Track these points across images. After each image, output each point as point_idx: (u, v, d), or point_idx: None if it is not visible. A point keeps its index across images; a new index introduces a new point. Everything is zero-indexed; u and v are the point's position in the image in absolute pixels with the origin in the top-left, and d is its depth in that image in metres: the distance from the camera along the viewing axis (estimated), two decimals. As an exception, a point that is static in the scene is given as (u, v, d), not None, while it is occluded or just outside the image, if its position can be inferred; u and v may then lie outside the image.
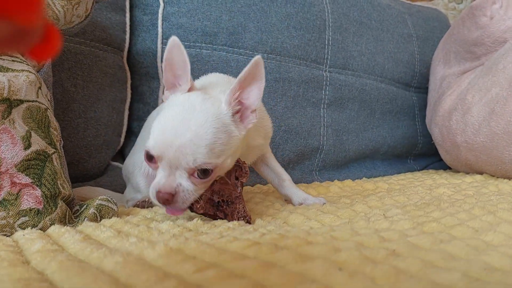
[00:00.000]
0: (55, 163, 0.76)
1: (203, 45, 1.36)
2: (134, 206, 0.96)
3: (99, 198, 0.80)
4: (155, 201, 0.69)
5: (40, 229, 0.68)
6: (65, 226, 0.66)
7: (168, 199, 0.67)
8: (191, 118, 0.67)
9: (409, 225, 0.59)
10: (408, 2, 2.06)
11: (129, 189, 1.04)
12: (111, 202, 0.80)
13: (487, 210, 0.66)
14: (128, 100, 1.34)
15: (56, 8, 0.87)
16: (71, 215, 0.76)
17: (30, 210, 0.68)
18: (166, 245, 0.49)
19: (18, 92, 0.73)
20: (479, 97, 1.31)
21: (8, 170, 0.68)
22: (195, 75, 1.35)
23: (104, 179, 1.20)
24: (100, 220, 0.75)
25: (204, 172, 0.67)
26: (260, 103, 0.76)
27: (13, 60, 0.77)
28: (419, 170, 1.82)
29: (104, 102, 1.22)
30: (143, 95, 1.36)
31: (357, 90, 1.64)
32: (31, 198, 0.69)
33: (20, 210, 0.67)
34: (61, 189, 0.74)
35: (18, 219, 0.67)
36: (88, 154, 1.19)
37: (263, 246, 0.46)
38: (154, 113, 1.04)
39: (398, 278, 0.37)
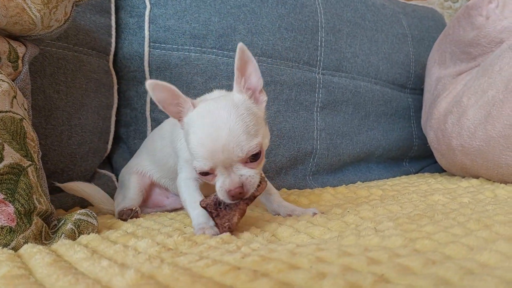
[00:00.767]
0: (31, 176, 0.73)
1: (192, 48, 1.33)
2: (119, 213, 0.92)
3: (78, 212, 0.76)
4: (226, 200, 0.73)
5: (13, 248, 0.64)
6: (38, 246, 0.63)
7: (241, 193, 0.72)
8: (216, 120, 0.72)
9: (401, 241, 0.56)
10: (403, 1, 2.03)
11: (117, 194, 1.05)
12: (90, 217, 0.76)
13: (483, 223, 0.62)
14: (115, 105, 1.30)
15: (32, 12, 0.84)
16: (48, 231, 0.72)
17: (2, 228, 0.64)
18: (137, 271, 0.45)
19: (-11, 103, 0.70)
20: (475, 100, 1.28)
21: (-23, 186, 0.64)
22: (184, 79, 1.32)
23: (89, 188, 1.17)
24: (79, 235, 0.72)
25: (254, 156, 0.73)
26: (265, 102, 0.83)
27: (-15, 69, 0.74)
28: (414, 173, 1.79)
29: (89, 108, 1.18)
30: (131, 100, 1.32)
31: (351, 92, 1.61)
32: (3, 215, 0.65)
33: (-10, 229, 0.63)
34: (37, 204, 0.71)
35: (-12, 238, 0.63)
36: (73, 163, 1.15)
37: (241, 273, 0.43)
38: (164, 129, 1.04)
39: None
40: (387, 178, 1.64)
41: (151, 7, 1.31)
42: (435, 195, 0.99)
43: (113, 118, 1.29)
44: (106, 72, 1.26)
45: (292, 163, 1.47)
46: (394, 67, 1.77)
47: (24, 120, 0.77)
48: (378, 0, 1.83)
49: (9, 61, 0.84)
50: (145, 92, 1.31)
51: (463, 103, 1.32)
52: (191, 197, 0.84)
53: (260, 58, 1.41)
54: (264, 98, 0.82)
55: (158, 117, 1.31)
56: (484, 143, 1.22)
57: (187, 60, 1.32)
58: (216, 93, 0.90)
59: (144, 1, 1.31)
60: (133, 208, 0.90)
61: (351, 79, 1.62)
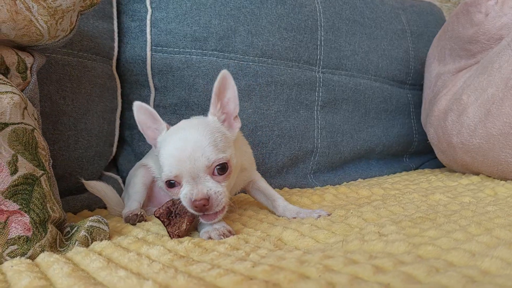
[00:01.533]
0: (44, 186, 0.75)
1: (193, 50, 1.34)
2: (126, 218, 0.94)
3: (90, 219, 0.79)
4: (192, 211, 0.75)
5: (30, 257, 0.66)
6: (54, 254, 0.65)
7: (205, 205, 0.73)
8: (187, 134, 0.77)
9: (404, 247, 0.58)
10: (401, -3, 2.04)
11: (124, 193, 1.09)
12: (102, 223, 0.79)
13: (484, 227, 0.65)
14: (119, 109, 1.32)
15: (39, 24, 0.85)
16: (62, 238, 0.74)
17: (19, 238, 0.66)
18: (155, 282, 0.48)
19: (2, 116, 0.72)
20: (475, 98, 1.30)
21: (-6, 198, 0.66)
22: (186, 81, 1.34)
23: (97, 191, 1.19)
24: (92, 242, 0.74)
25: (222, 168, 0.76)
26: (238, 129, 0.88)
27: (-4, 82, 0.75)
28: (414, 169, 1.81)
29: (94, 112, 1.20)
30: (134, 103, 1.34)
31: (351, 90, 1.63)
32: (19, 226, 0.67)
33: (8, 239, 0.65)
34: (51, 212, 0.73)
35: (6, 248, 0.65)
36: (80, 167, 1.17)
37: (254, 285, 0.45)
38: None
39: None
40: (388, 175, 1.67)
41: (152, 11, 1.32)
42: (436, 194, 1.02)
43: (118, 122, 1.31)
44: (109, 76, 1.27)
45: (293, 162, 1.49)
46: (393, 63, 1.79)
47: (35, 130, 0.79)
48: (377, -3, 1.84)
49: (18, 72, 0.86)
50: (149, 95, 1.33)
51: (463, 100, 1.34)
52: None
53: (260, 58, 1.42)
54: (238, 124, 0.87)
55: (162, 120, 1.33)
56: (484, 141, 1.24)
57: (189, 63, 1.33)
58: (193, 118, 0.93)
59: (145, 5, 1.32)
60: (138, 213, 0.92)
61: (351, 77, 1.64)
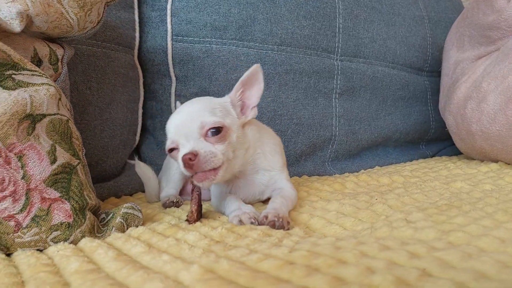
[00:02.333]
0: (80, 174, 0.78)
1: (213, 39, 1.35)
2: (163, 204, 1.00)
3: (124, 206, 0.82)
4: (184, 171, 0.78)
5: (71, 242, 0.70)
6: (96, 240, 0.68)
7: (191, 159, 0.75)
8: (189, 105, 0.84)
9: (434, 234, 0.60)
10: (419, -18, 2.01)
11: (162, 175, 1.15)
12: (136, 210, 0.82)
13: (510, 214, 0.66)
14: (141, 98, 1.34)
15: (69, 16, 0.87)
16: (99, 224, 0.78)
17: (61, 224, 0.70)
18: (200, 265, 0.50)
19: (40, 107, 0.74)
20: (495, 85, 1.30)
21: (37, 186, 0.69)
22: (206, 71, 1.35)
23: (122, 179, 1.22)
24: (127, 228, 0.77)
25: (215, 131, 0.78)
26: (250, 117, 0.89)
27: (32, 74, 0.77)
28: (431, 156, 1.82)
29: (118, 102, 1.23)
30: (156, 93, 1.36)
31: (368, 78, 1.63)
32: (61, 212, 0.70)
33: (51, 225, 0.69)
34: (88, 200, 0.76)
35: (50, 234, 0.68)
36: (105, 155, 1.20)
37: (295, 268, 0.47)
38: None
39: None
40: (404, 162, 1.68)
41: (172, 1, 1.34)
42: (457, 182, 1.03)
43: (140, 111, 1.34)
44: (132, 66, 1.29)
45: (312, 150, 1.51)
46: (411, 50, 1.78)
47: (69, 120, 0.81)
48: (395, -17, 1.82)
49: (50, 64, 0.88)
50: (170, 84, 1.35)
51: (483, 88, 1.34)
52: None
53: (279, 47, 1.43)
54: (253, 114, 0.89)
55: (184, 109, 1.35)
56: (504, 128, 1.24)
57: (209, 52, 1.35)
58: None
59: (166, -5, 1.33)
60: (175, 200, 0.98)
61: (369, 65, 1.64)
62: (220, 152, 0.79)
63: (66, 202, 0.72)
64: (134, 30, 1.30)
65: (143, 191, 1.20)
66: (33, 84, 0.75)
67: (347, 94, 1.59)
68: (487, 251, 0.52)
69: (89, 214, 0.75)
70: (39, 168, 0.71)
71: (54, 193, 0.71)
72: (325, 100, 1.53)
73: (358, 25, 1.61)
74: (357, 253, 0.52)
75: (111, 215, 0.80)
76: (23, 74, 0.76)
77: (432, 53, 1.86)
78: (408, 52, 1.77)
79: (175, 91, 1.35)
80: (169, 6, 1.33)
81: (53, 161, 0.73)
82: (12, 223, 0.67)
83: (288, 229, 0.73)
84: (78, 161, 0.79)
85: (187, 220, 0.80)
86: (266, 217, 0.75)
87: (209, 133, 0.79)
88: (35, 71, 0.79)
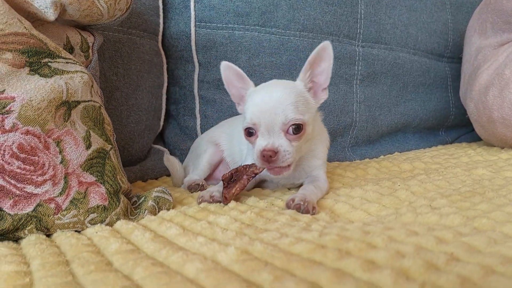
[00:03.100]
0: (113, 159, 0.81)
1: (236, 26, 1.36)
2: (189, 186, 1.03)
3: (155, 190, 0.85)
4: (258, 162, 0.81)
5: (107, 224, 0.73)
6: (131, 222, 0.72)
7: (271, 156, 0.79)
8: (274, 90, 0.84)
9: (459, 220, 0.62)
10: (442, -35, 1.97)
11: (189, 160, 1.16)
12: (166, 194, 0.85)
13: (535, 202, 0.68)
14: (165, 84, 1.37)
15: (100, 4, 0.89)
16: (131, 207, 0.81)
17: (98, 207, 0.73)
18: (236, 247, 0.53)
19: (75, 94, 0.77)
20: (519, 72, 1.29)
21: (74, 170, 0.73)
22: (228, 57, 1.37)
23: (148, 163, 1.26)
24: (158, 211, 0.81)
25: (296, 128, 0.81)
26: (323, 99, 0.90)
27: (66, 62, 0.80)
28: (450, 142, 1.82)
29: (143, 88, 1.26)
30: (179, 79, 1.39)
31: (389, 64, 1.63)
32: (97, 196, 0.74)
33: (89, 208, 0.72)
34: (121, 183, 0.80)
35: (87, 216, 0.72)
36: (132, 140, 1.24)
37: (328, 252, 0.50)
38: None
39: (463, 288, 0.40)
40: (424, 148, 1.68)
41: (196, -14, 1.34)
42: (479, 169, 1.04)
43: (164, 97, 1.36)
44: (156, 52, 1.31)
45: (332, 136, 1.51)
46: (432, 36, 1.76)
47: (101, 107, 0.84)
48: (417, -34, 1.79)
49: (81, 51, 0.91)
50: (193, 70, 1.37)
51: (506, 75, 1.33)
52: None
53: (302, 33, 1.44)
54: (325, 96, 0.90)
55: (206, 95, 1.37)
56: (527, 116, 1.24)
57: (232, 38, 1.36)
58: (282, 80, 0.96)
59: (190, -19, 1.34)
60: (200, 183, 1.01)
61: (390, 51, 1.63)
62: (295, 149, 0.82)
63: (101, 185, 0.75)
64: (158, 16, 1.32)
65: (168, 175, 1.24)
66: (68, 72, 0.78)
67: (368, 80, 1.58)
68: (513, 237, 0.54)
69: (122, 197, 0.78)
70: (76, 153, 0.74)
71: (90, 177, 0.75)
72: (346, 86, 1.53)
73: (380, 11, 1.60)
74: (385, 238, 0.54)
75: (142, 198, 0.84)
76: (59, 62, 0.79)
77: (453, 39, 1.83)
78: (429, 38, 1.75)
79: (198, 77, 1.37)
80: (192, -8, 1.34)
81: (88, 146, 0.76)
82: (52, 205, 0.70)
83: (313, 214, 0.75)
84: (111, 146, 0.82)
85: (224, 197, 0.83)
86: (293, 200, 0.77)
87: (290, 129, 0.81)
88: (70, 58, 0.81)
